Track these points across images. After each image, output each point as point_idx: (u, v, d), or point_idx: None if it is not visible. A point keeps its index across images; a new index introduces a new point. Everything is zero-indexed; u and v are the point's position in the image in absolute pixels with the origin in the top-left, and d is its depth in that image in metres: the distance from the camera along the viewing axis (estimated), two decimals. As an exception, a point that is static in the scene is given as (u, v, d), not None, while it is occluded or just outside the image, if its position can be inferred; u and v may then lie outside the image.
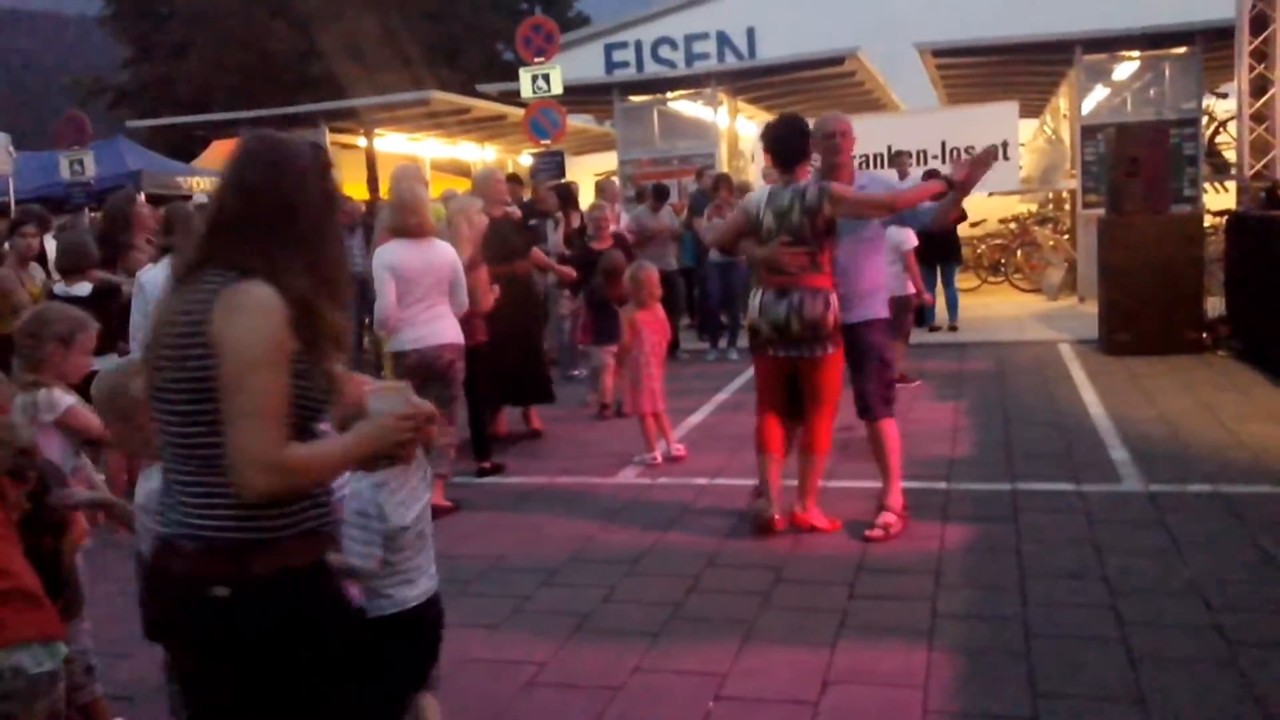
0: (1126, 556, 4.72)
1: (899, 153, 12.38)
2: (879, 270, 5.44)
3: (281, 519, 2.03)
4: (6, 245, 7.92)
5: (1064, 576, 4.54)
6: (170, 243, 5.92)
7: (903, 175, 11.46)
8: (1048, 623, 4.07)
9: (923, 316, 11.61)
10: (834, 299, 5.09)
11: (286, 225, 2.07)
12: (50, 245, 8.58)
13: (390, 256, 5.93)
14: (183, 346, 1.99)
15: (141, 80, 35.80)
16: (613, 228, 10.16)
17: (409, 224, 5.98)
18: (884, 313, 5.42)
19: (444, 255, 6.04)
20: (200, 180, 19.00)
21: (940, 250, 11.48)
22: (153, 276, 5.83)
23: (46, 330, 3.74)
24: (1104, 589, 4.37)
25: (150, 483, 2.86)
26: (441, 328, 5.96)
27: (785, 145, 5.27)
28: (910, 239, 8.60)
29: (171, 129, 21.63)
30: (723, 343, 11.20)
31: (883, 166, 13.82)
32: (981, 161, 4.97)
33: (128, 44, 37.09)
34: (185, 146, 24.27)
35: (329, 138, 15.56)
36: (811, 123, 5.43)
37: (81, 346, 3.78)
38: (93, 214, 12.34)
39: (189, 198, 15.02)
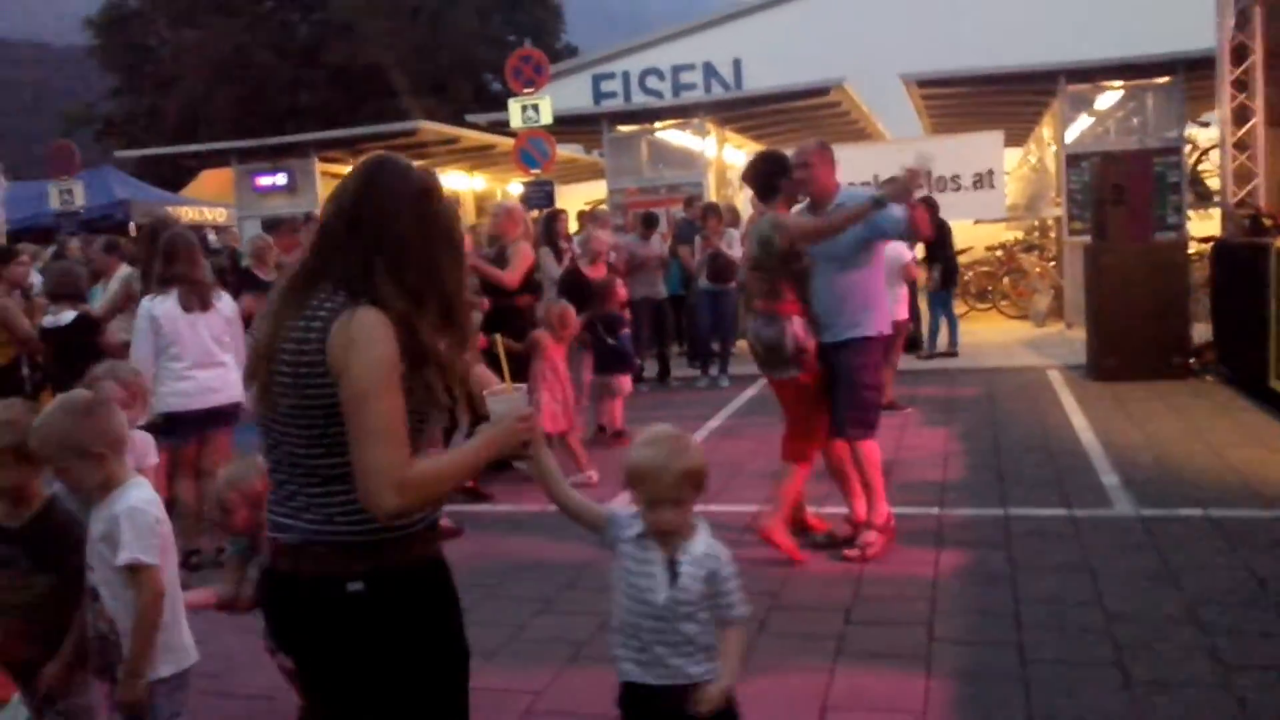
0: (1120, 581, 4.75)
1: (889, 179, 12.45)
2: (866, 291, 5.44)
3: (406, 517, 2.13)
4: None
5: (1058, 601, 4.56)
6: (174, 272, 5.83)
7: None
8: (1043, 647, 4.09)
9: (913, 343, 11.70)
10: (795, 325, 5.21)
11: (387, 249, 2.11)
12: (35, 277, 8.56)
13: None
14: (303, 375, 2.05)
15: (129, 110, 35.89)
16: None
17: None
18: (870, 331, 5.41)
19: None
20: (189, 210, 19.00)
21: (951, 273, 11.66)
22: (167, 309, 5.78)
23: None
24: (1099, 613, 4.39)
25: (102, 514, 2.83)
26: None
27: (760, 180, 5.54)
28: (904, 254, 8.63)
29: (160, 159, 21.68)
30: (714, 370, 11.22)
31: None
32: (903, 184, 5.14)
33: (116, 74, 37.21)
34: (174, 176, 24.33)
35: (319, 167, 15.63)
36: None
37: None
38: (81, 242, 12.28)
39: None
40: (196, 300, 5.81)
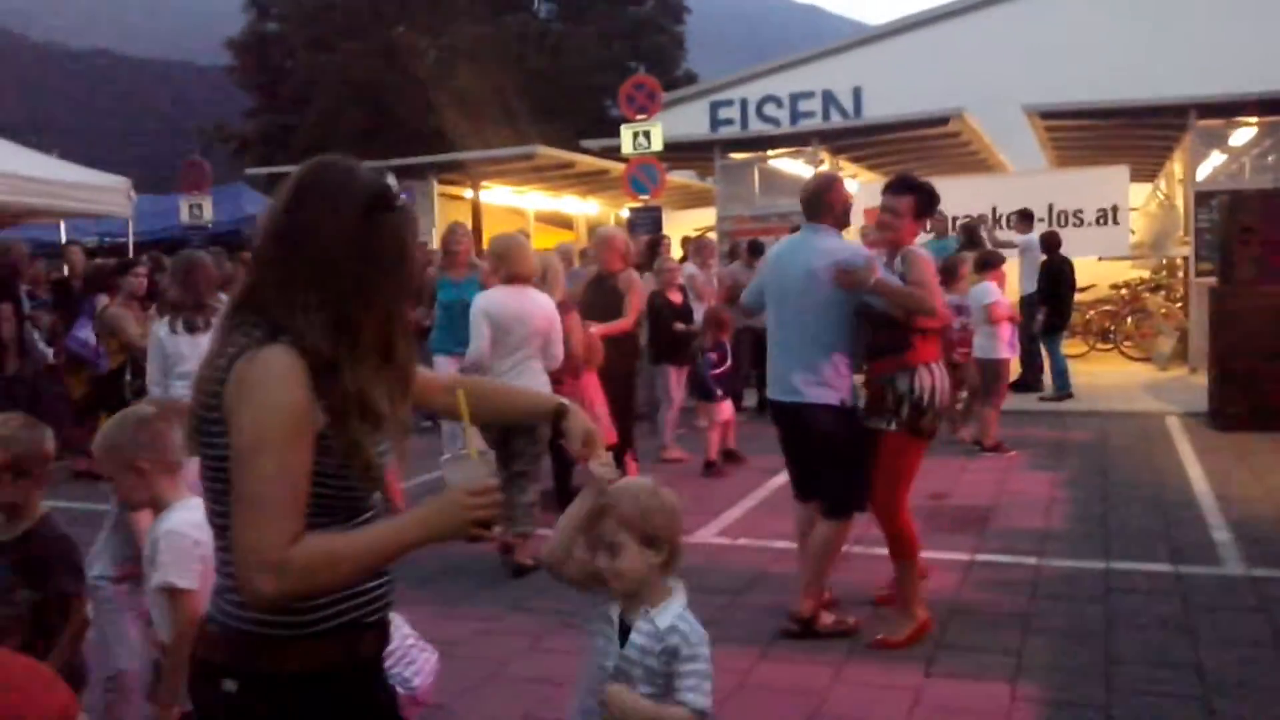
0: (1222, 645, 4.49)
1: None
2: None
3: (309, 613, 1.76)
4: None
5: (1153, 664, 4.33)
6: (174, 296, 5.99)
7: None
8: (1132, 714, 3.88)
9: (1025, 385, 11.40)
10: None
11: (315, 273, 1.75)
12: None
13: (488, 302, 6.00)
14: (204, 423, 1.75)
15: (264, 129, 37.28)
16: (701, 279, 10.27)
17: (513, 271, 6.02)
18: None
19: (541, 306, 6.02)
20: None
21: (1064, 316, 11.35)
22: (167, 331, 5.92)
23: None
24: (1194, 679, 4.16)
25: (151, 536, 2.84)
26: (528, 380, 5.85)
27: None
28: (988, 294, 8.42)
29: (289, 176, 22.38)
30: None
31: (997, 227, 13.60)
32: (850, 275, 4.54)
33: (253, 94, 38.75)
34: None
35: (438, 189, 15.99)
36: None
37: None
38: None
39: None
40: (183, 322, 5.86)
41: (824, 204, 4.79)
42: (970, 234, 11.36)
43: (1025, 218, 12.46)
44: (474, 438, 1.93)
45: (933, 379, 4.66)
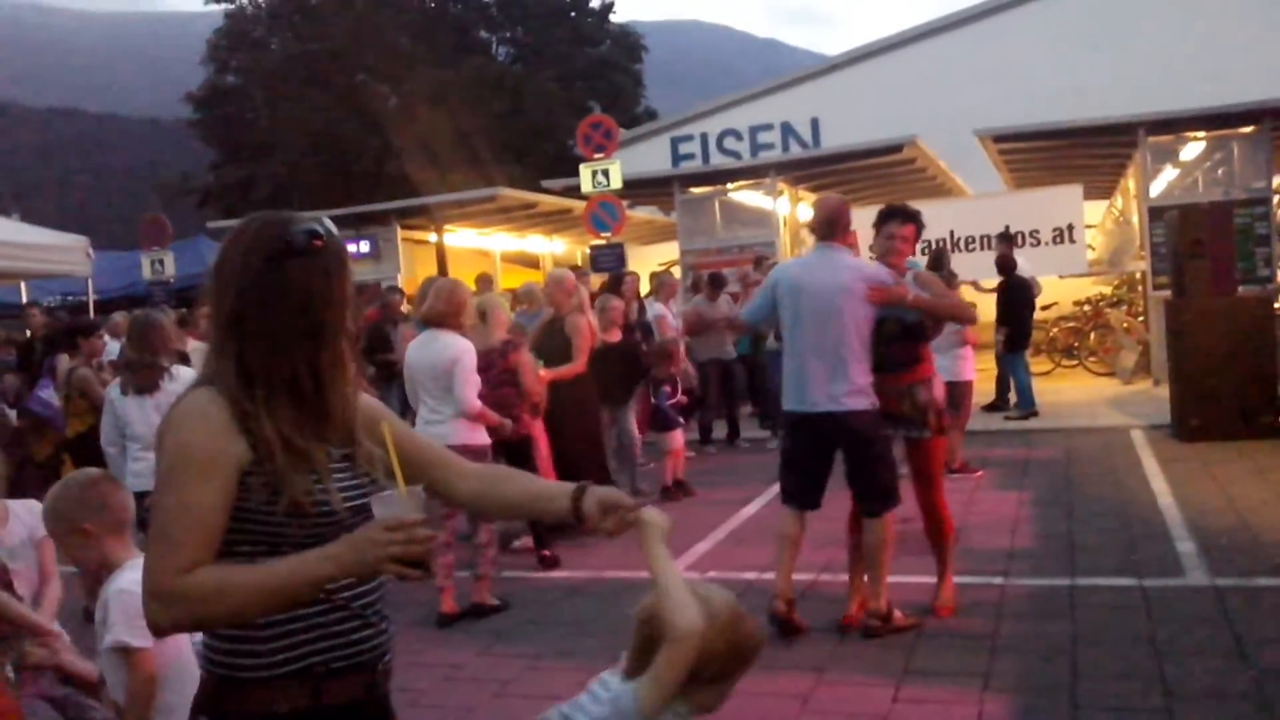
0: (1186, 657, 4.52)
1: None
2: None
3: (266, 655, 1.81)
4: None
5: (1119, 678, 4.35)
6: (126, 357, 6.10)
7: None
8: (1097, 729, 3.90)
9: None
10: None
11: (231, 323, 1.84)
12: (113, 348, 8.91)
13: (408, 352, 6.11)
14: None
15: (226, 181, 37.26)
16: (669, 319, 10.36)
17: (424, 314, 6.07)
18: None
19: (440, 348, 5.86)
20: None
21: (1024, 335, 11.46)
22: (118, 392, 5.99)
23: None
24: (1159, 693, 4.18)
25: (101, 597, 2.82)
26: (448, 429, 5.76)
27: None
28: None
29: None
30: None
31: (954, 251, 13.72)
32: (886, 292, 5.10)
33: (215, 147, 38.73)
34: (266, 244, 25.10)
35: (400, 234, 15.98)
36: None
37: None
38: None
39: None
40: (133, 383, 5.89)
41: (839, 226, 5.27)
42: (939, 258, 11.49)
43: (1005, 239, 12.59)
44: (400, 470, 1.88)
45: (934, 386, 5.34)
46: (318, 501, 1.82)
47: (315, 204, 23.44)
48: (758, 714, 4.24)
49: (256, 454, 1.78)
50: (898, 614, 5.15)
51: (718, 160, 24.12)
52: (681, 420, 8.83)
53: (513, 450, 6.46)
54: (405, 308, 11.45)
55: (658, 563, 1.92)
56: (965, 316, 5.49)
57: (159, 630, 1.78)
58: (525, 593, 6.31)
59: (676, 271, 14.40)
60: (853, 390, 5.03)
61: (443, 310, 5.93)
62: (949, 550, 5.44)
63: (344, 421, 1.92)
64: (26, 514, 3.62)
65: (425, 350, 5.94)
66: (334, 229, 1.88)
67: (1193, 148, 13.68)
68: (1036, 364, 13.92)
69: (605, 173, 13.26)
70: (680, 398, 8.90)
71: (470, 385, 5.84)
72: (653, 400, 8.81)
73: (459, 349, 5.86)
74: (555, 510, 2.06)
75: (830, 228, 5.25)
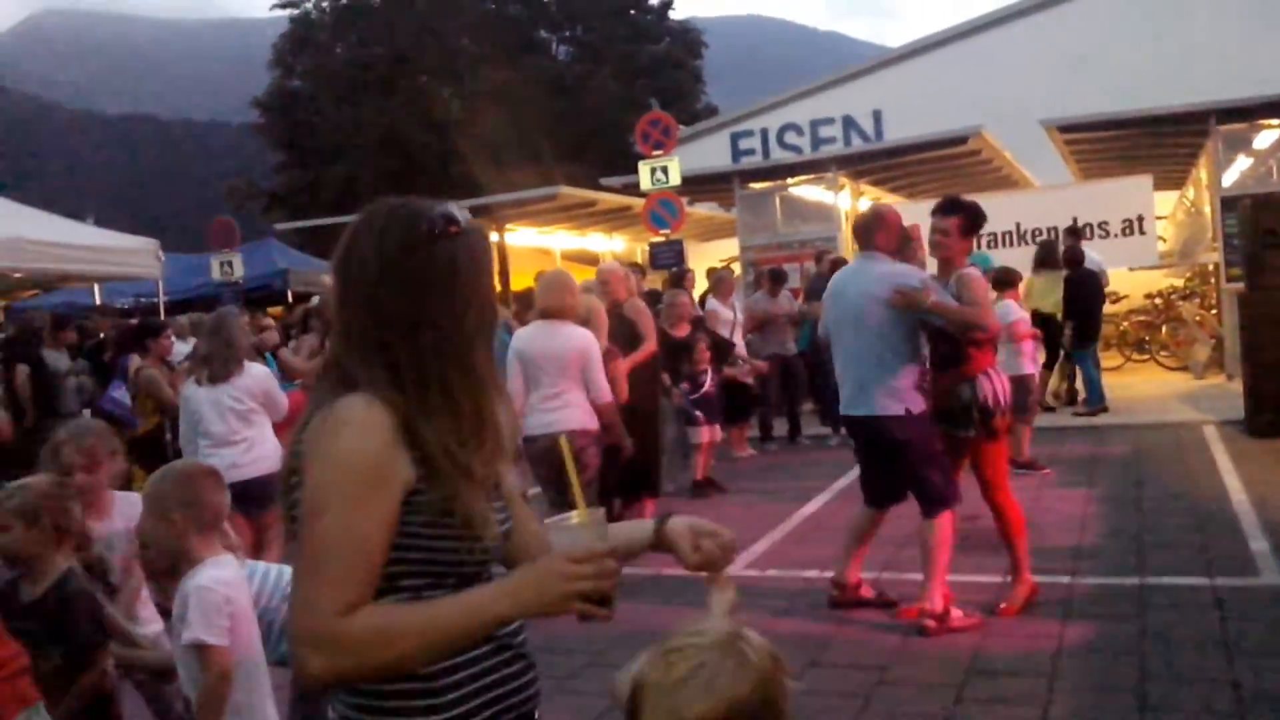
0: (1258, 658, 4.40)
1: (906, 239, 11.69)
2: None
3: (442, 711, 1.58)
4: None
5: (1187, 680, 4.25)
6: (203, 350, 6.17)
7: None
8: (1166, 732, 3.81)
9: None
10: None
11: (371, 316, 1.61)
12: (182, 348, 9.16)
13: (517, 339, 6.11)
14: (288, 485, 1.62)
15: (293, 184, 37.88)
16: (721, 313, 10.39)
17: (544, 306, 6.08)
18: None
19: (573, 340, 6.00)
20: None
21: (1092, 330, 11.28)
22: (192, 391, 6.07)
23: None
24: (1230, 695, 4.07)
25: (179, 592, 2.82)
26: (569, 415, 5.91)
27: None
28: (1010, 313, 8.45)
29: (317, 229, 22.73)
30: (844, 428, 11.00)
31: (1011, 245, 13.55)
32: (905, 296, 5.03)
33: (280, 151, 39.42)
34: (331, 245, 25.52)
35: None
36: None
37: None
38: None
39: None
40: (206, 372, 5.98)
41: (876, 234, 5.32)
42: (1048, 251, 11.57)
43: (1073, 233, 12.45)
44: (582, 494, 1.65)
45: (992, 384, 5.21)
46: (487, 520, 1.61)
47: (379, 205, 23.73)
48: (818, 710, 4.21)
49: (422, 468, 1.56)
50: (956, 613, 5.09)
51: (778, 155, 23.96)
52: (701, 416, 9.06)
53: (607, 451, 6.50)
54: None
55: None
56: (977, 324, 5.10)
57: (313, 681, 1.50)
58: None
59: (737, 268, 14.34)
60: (885, 394, 5.08)
61: (564, 303, 6.04)
62: (1020, 548, 5.36)
63: (499, 433, 1.67)
64: (128, 506, 3.70)
65: (547, 339, 6.00)
66: (469, 214, 1.67)
67: (1266, 136, 13.33)
68: (1107, 359, 13.64)
69: (664, 169, 13.25)
70: (704, 391, 9.07)
71: (603, 374, 6.05)
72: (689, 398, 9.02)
73: (587, 339, 6.04)
74: (638, 543, 1.82)
75: (868, 235, 5.36)
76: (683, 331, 9.15)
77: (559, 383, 5.95)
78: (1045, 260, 11.47)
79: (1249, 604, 5.11)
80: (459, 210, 1.65)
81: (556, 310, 6.03)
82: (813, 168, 15.18)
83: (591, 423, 6.02)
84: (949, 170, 15.99)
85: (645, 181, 13.44)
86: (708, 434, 9.05)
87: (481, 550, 1.61)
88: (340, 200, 31.49)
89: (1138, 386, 13.29)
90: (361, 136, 34.17)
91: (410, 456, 1.55)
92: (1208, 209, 14.50)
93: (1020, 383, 8.68)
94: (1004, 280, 8.90)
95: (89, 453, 3.59)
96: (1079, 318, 11.19)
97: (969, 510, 5.72)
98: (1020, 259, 11.36)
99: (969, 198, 5.63)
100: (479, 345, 1.65)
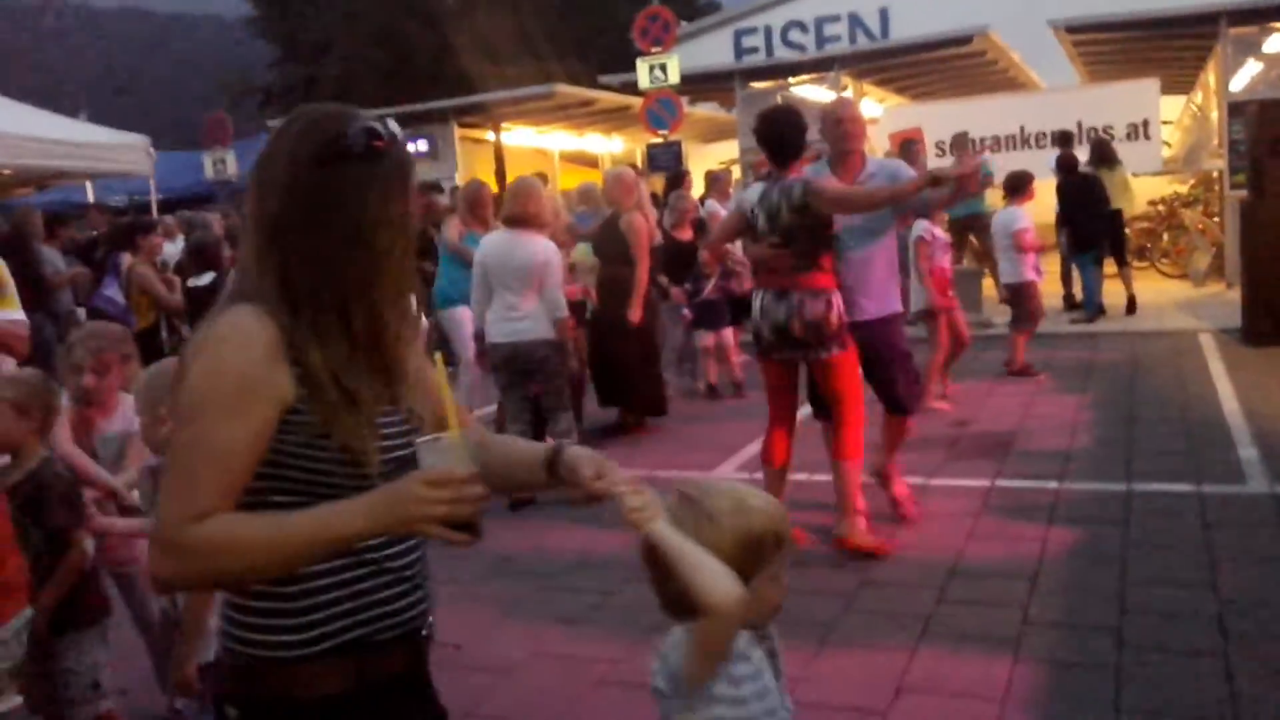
0: (1240, 564, 4.44)
1: (908, 141, 11.20)
2: (893, 263, 5.27)
3: (300, 630, 1.58)
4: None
5: (1168, 585, 4.30)
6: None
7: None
8: (1143, 635, 3.85)
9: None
10: (837, 298, 4.80)
11: (273, 231, 1.57)
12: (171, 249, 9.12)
13: (482, 248, 6.13)
14: (175, 389, 1.59)
15: (287, 81, 37.22)
16: (721, 215, 10.19)
17: (510, 213, 6.07)
18: (898, 307, 5.25)
19: (533, 249, 5.96)
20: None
21: (1088, 236, 11.16)
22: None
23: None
24: (1210, 599, 4.12)
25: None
26: (530, 325, 5.97)
27: (777, 139, 4.95)
28: (1016, 221, 8.32)
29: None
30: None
31: (1015, 149, 13.35)
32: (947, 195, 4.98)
33: (274, 44, 38.65)
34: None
35: (458, 133, 15.89)
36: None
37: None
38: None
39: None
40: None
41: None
42: (1103, 148, 11.83)
43: (1064, 139, 12.23)
44: (456, 413, 1.58)
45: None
46: (376, 448, 1.58)
47: (376, 103, 23.35)
48: (800, 610, 4.26)
49: (304, 388, 1.53)
50: (900, 486, 5.42)
51: (782, 54, 23.48)
52: (686, 316, 8.92)
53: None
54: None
55: (669, 541, 1.69)
56: (873, 202, 4.85)
57: (161, 585, 1.60)
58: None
59: (736, 170, 14.15)
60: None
61: (528, 211, 5.99)
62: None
63: (400, 370, 1.65)
64: (130, 409, 3.74)
65: (510, 250, 5.99)
66: (398, 131, 1.60)
67: (1276, 39, 13.01)
68: (1106, 265, 13.53)
69: (663, 67, 13.01)
70: (707, 294, 8.68)
71: (561, 288, 6.08)
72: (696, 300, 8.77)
73: (549, 251, 6.02)
74: (531, 469, 1.78)
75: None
76: (687, 234, 9.00)
77: (521, 291, 5.97)
78: (1103, 157, 11.62)
79: (1234, 511, 5.14)
80: (387, 127, 1.59)
81: (520, 218, 6.00)
82: (815, 67, 14.89)
83: (550, 333, 6.04)
84: (954, 71, 15.68)
85: (643, 79, 13.20)
86: (712, 339, 8.83)
87: (362, 476, 1.55)
88: (336, 97, 30.92)
89: (1137, 293, 13.19)
90: (355, 31, 33.42)
91: (292, 374, 1.53)
92: (1215, 115, 14.25)
93: (1019, 290, 8.65)
94: (1014, 185, 8.76)
95: (100, 357, 3.62)
96: (1073, 225, 11.09)
97: (962, 415, 5.75)
98: (1024, 162, 11.14)
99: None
100: (385, 271, 1.59)
